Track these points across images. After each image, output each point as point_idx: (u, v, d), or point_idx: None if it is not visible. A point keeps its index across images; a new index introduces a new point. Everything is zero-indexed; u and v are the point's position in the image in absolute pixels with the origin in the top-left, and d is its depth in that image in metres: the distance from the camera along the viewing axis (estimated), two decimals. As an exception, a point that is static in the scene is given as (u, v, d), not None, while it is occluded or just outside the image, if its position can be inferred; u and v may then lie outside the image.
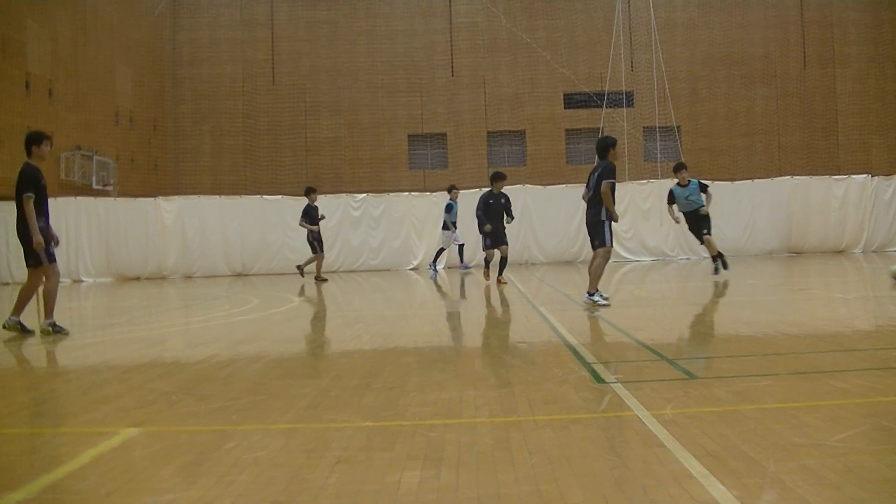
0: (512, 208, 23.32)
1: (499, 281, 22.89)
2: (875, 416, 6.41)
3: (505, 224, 23.05)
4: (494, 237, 22.88)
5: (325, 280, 27.45)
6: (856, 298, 16.96)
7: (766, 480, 4.93)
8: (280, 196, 35.24)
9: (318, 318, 16.95)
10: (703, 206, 22.20)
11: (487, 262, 23.55)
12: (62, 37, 37.65)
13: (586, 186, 16.23)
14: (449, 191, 29.62)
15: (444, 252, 30.09)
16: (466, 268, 30.24)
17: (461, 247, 30.01)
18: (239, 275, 33.13)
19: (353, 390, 8.19)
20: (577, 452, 5.69)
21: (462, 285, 23.82)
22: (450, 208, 28.89)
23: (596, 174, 15.88)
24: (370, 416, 7.04)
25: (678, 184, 22.60)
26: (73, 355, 12.19)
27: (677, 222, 22.98)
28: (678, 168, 22.73)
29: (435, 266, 29.93)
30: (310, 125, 48.22)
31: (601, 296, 15.77)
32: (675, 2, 49.94)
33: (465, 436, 6.25)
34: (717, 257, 22.32)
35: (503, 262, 23.13)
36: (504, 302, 18.02)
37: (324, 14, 49.21)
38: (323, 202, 30.10)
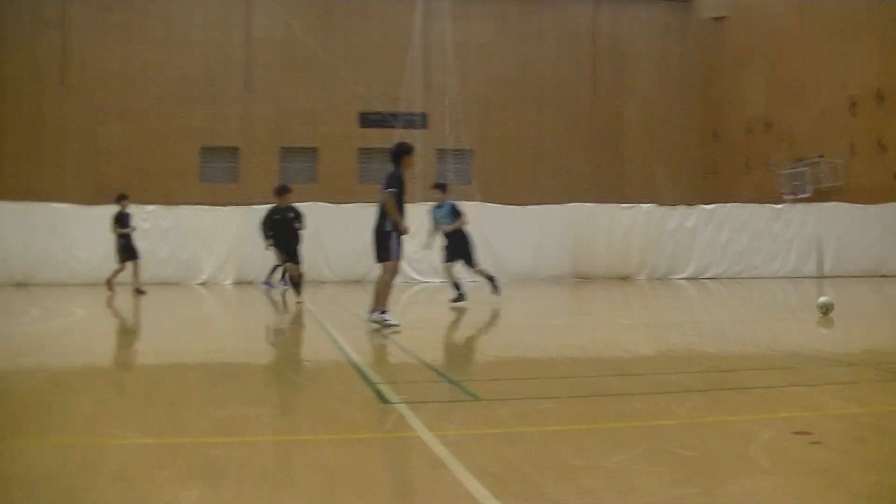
0: (303, 222, 22.63)
1: (298, 302, 21.32)
2: (653, 438, 6.54)
3: (297, 240, 22.06)
4: (284, 252, 22.06)
5: (144, 292, 25.57)
6: (638, 324, 17.38)
7: (544, 501, 4.98)
8: (66, 204, 34.25)
9: (101, 331, 16.53)
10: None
11: (293, 280, 22.03)
12: None
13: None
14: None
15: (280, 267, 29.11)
16: (271, 286, 29.22)
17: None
18: (20, 284, 32.05)
19: (133, 405, 7.99)
20: (359, 472, 5.65)
21: (259, 303, 23.56)
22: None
23: (383, 183, 15.14)
24: (150, 431, 6.87)
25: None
26: None
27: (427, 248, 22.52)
28: (436, 187, 22.20)
29: (269, 281, 28.98)
30: (99, 132, 47.12)
31: (389, 318, 14.81)
32: (471, 26, 50.63)
33: (247, 454, 6.15)
34: (488, 279, 21.98)
35: (294, 280, 21.93)
36: (292, 320, 17.89)
37: (118, 17, 48.18)
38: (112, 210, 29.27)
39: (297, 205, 23.42)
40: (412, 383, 9.42)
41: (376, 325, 14.72)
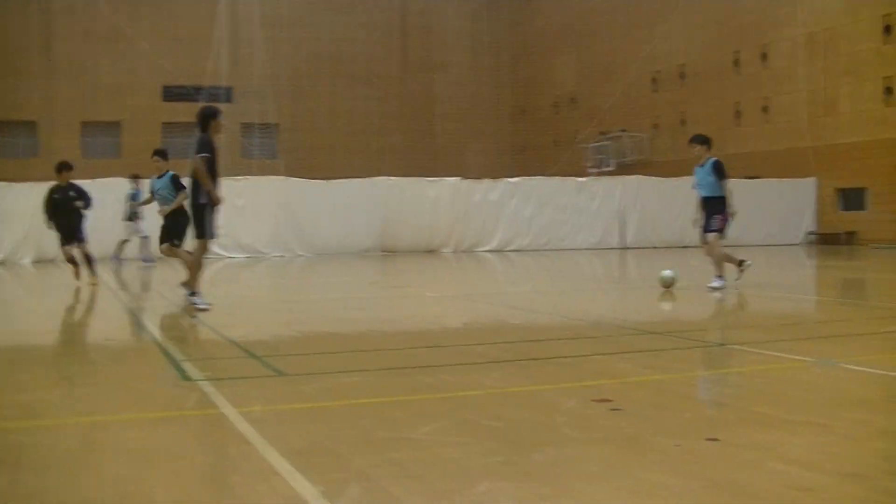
0: (87, 200, 20.52)
1: (92, 283, 19.76)
2: (460, 409, 6.57)
3: (79, 219, 20.25)
4: (65, 234, 19.99)
5: None
6: (445, 297, 17.47)
7: (351, 475, 4.94)
8: None
9: None
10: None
11: (72, 260, 20.12)
12: None
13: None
14: (133, 178, 28.14)
15: (126, 243, 28.22)
16: (149, 261, 28.12)
17: (145, 239, 27.75)
18: None
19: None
20: (163, 452, 5.53)
21: (59, 283, 22.92)
22: (135, 197, 27.17)
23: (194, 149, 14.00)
24: (-58, 418, 6.62)
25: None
26: None
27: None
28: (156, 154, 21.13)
29: (118, 257, 27.99)
30: None
31: (202, 299, 14.09)
32: (283, -1, 50.24)
33: (49, 438, 5.96)
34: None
35: (89, 259, 19.97)
36: (94, 299, 17.47)
37: None
38: None
39: (103, 180, 22.66)
40: (216, 360, 9.30)
41: (189, 310, 13.88)
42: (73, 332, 12.37)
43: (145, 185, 24.39)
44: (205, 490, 4.79)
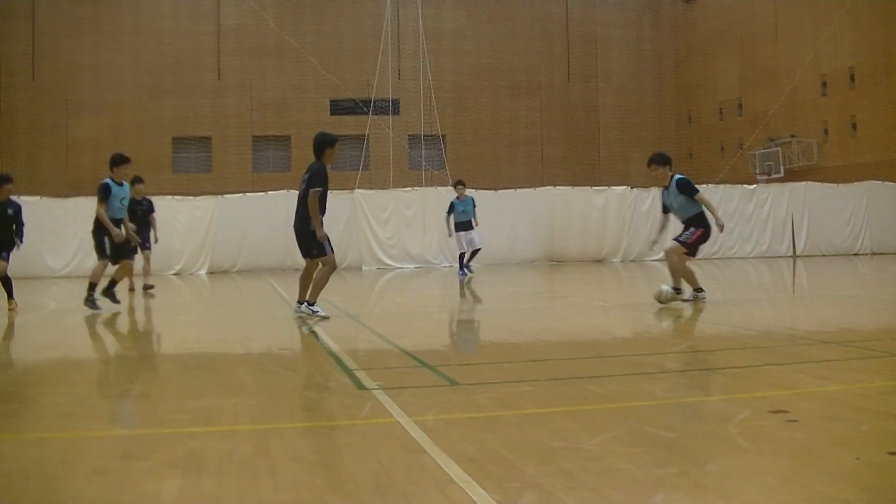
0: (153, 214, 22.14)
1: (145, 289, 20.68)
2: (630, 419, 6.55)
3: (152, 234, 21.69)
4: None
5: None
6: (614, 307, 17.40)
7: (525, 484, 4.98)
8: (38, 197, 34.05)
9: (76, 324, 16.43)
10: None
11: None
12: None
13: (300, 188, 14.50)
14: (455, 186, 27.41)
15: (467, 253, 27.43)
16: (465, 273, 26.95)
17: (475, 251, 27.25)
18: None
19: (110, 398, 7.96)
20: (337, 459, 5.65)
21: (232, 292, 23.39)
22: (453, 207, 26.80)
23: (306, 177, 14.26)
24: (128, 424, 6.85)
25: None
26: None
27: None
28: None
29: (467, 268, 27.15)
30: (71, 124, 46.90)
31: (320, 310, 14.49)
32: (443, 13, 50.61)
33: (226, 444, 6.14)
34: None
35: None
36: (267, 308, 17.82)
37: (88, 10, 47.96)
38: (85, 204, 29.03)
39: (273, 193, 22.99)
40: (389, 369, 9.40)
41: (308, 318, 14.38)
42: (247, 341, 12.60)
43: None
44: (380, 498, 4.85)
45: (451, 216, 26.48)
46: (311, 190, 13.92)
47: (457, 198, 26.54)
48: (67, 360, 11.33)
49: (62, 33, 47.88)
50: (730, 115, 50.99)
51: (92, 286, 17.04)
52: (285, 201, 31.15)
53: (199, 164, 48.86)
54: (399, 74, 48.28)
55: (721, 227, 15.82)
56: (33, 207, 32.45)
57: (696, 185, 15.95)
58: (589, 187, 36.99)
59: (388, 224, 32.44)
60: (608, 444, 5.86)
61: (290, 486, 5.10)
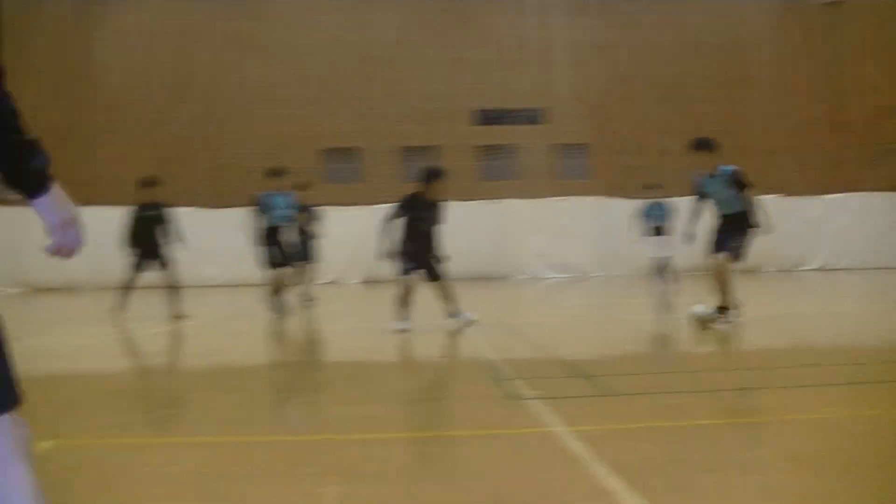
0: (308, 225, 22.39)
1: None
2: (791, 433, 6.47)
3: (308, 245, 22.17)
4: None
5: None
6: (768, 317, 17.10)
7: (683, 497, 4.95)
8: (193, 208, 34.95)
9: (236, 331, 16.78)
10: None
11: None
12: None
13: None
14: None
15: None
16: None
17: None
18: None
19: (271, 404, 8.13)
20: (494, 468, 5.67)
21: (387, 302, 23.58)
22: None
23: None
24: (289, 430, 6.98)
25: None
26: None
27: None
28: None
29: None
30: (224, 140, 47.93)
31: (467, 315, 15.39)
32: (587, 21, 50.38)
33: (385, 451, 6.22)
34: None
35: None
36: (422, 316, 17.93)
37: (237, 25, 48.92)
38: (235, 214, 29.55)
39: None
40: (547, 379, 9.40)
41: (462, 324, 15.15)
42: (404, 350, 12.71)
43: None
44: (539, 507, 4.89)
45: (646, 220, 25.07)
46: (390, 208, 15.05)
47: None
48: (230, 367, 11.58)
49: (211, 48, 48.90)
50: (885, 119, 49.79)
51: (274, 292, 18.14)
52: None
53: (349, 174, 49.41)
54: (545, 84, 48.22)
55: (765, 230, 14.82)
56: (188, 219, 33.35)
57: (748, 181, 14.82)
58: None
59: (541, 233, 32.45)
60: (769, 457, 5.79)
61: (447, 493, 5.15)
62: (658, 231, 25.06)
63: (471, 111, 49.29)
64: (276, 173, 18.53)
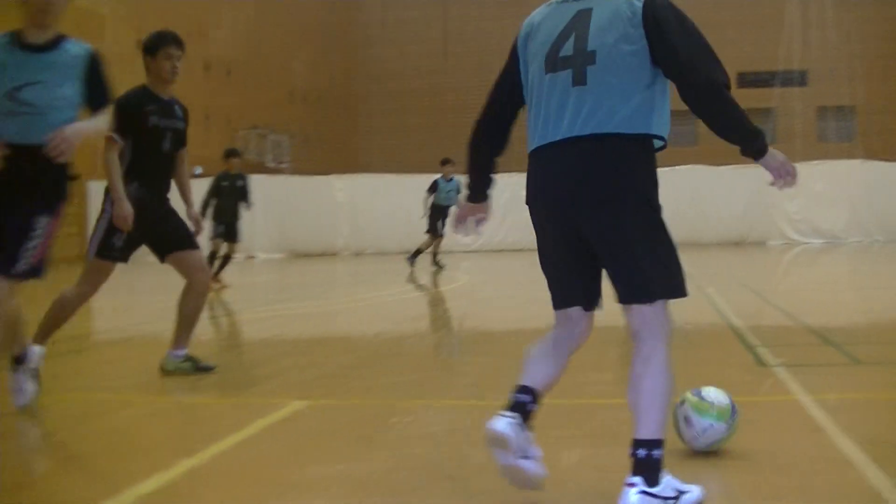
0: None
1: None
2: None
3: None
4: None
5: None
6: None
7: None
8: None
9: (486, 297, 17.06)
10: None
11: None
12: (240, 20, 38.66)
13: None
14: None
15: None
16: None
17: None
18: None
19: (521, 368, 8.28)
20: (737, 435, 5.68)
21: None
22: None
23: None
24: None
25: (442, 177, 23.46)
26: (247, 329, 12.58)
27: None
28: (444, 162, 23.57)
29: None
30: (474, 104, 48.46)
31: None
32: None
33: (621, 414, 6.29)
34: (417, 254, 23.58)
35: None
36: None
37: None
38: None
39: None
40: (792, 346, 9.30)
41: None
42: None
43: None
44: (776, 475, 4.84)
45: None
46: None
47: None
48: (479, 331, 11.83)
49: (482, 17, 49.53)
50: None
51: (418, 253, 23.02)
52: (691, 175, 31.24)
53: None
54: (807, 44, 46.86)
55: None
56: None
57: None
58: None
59: (795, 198, 31.66)
60: None
61: (691, 456, 5.20)
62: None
63: (733, 74, 48.48)
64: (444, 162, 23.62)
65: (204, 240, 10.51)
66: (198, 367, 8.15)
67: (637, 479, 4.14)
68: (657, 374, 4.42)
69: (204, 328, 12.60)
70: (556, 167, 4.34)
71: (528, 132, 4.50)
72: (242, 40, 38.70)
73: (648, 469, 4.16)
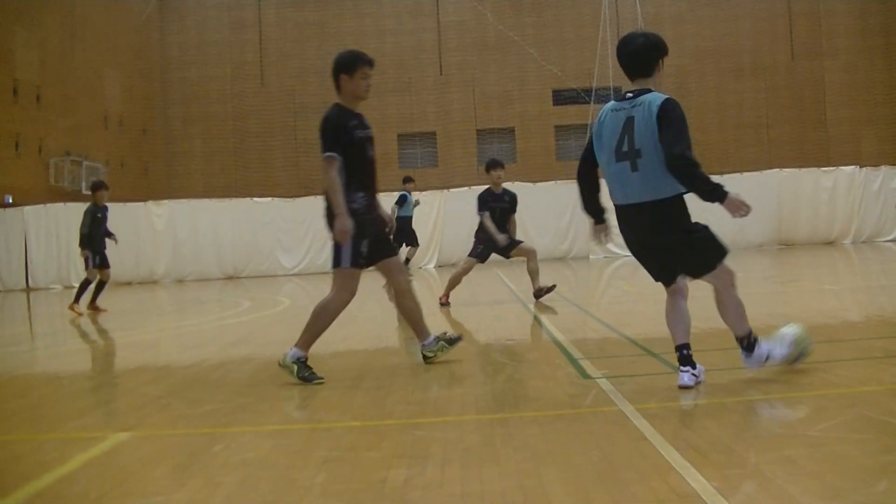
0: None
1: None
2: (857, 405, 6.45)
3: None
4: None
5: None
6: (845, 290, 17.02)
7: (746, 471, 4.99)
8: (271, 198, 35.35)
9: (304, 320, 16.87)
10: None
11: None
12: (50, 42, 37.76)
13: None
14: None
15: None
16: None
17: None
18: (230, 277, 33.13)
19: (341, 391, 8.22)
20: (560, 448, 5.74)
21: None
22: None
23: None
24: (358, 416, 7.08)
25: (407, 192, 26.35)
26: (63, 361, 12.24)
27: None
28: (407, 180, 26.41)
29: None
30: (300, 126, 48.17)
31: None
32: (662, -4, 50.04)
33: (452, 433, 6.31)
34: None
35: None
36: (495, 300, 18.02)
37: (312, 15, 49.43)
38: (315, 203, 29.84)
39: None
40: (614, 358, 9.46)
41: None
42: (475, 332, 12.73)
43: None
44: (600, 485, 4.92)
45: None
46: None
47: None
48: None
49: (288, 39, 49.52)
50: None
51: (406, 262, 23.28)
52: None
53: (425, 159, 49.65)
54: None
55: None
56: (267, 207, 33.75)
57: None
58: (816, 168, 36.27)
59: (613, 212, 32.23)
60: (834, 430, 5.80)
61: (514, 474, 5.23)
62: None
63: (546, 92, 49.17)
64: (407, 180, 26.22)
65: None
66: (451, 341, 9.52)
67: (742, 354, 7.65)
68: (737, 303, 7.86)
69: (22, 361, 12.25)
70: (637, 221, 7.44)
71: (609, 189, 7.53)
72: (52, 63, 37.81)
73: (749, 346, 7.61)
